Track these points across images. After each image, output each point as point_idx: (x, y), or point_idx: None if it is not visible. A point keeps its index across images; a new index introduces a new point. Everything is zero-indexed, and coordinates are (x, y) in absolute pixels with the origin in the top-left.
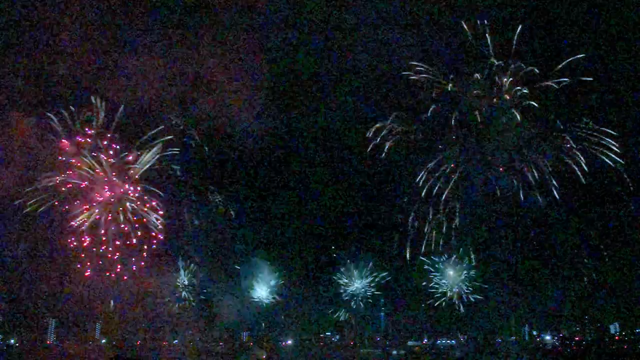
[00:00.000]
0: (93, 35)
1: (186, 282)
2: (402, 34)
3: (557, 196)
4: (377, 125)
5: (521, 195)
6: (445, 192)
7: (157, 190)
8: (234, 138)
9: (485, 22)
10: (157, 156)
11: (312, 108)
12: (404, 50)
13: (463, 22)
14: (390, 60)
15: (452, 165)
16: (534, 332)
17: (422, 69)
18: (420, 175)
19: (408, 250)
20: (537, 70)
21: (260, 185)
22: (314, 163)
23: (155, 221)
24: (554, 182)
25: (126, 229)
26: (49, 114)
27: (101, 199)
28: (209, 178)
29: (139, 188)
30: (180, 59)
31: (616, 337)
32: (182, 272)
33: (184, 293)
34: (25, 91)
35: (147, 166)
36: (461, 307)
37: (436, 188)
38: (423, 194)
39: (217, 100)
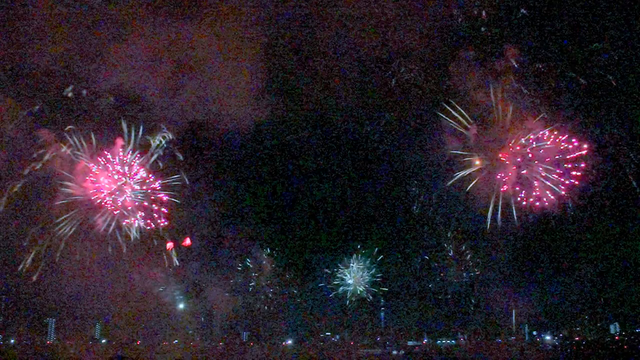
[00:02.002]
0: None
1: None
2: (398, 22)
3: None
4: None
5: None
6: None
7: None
8: (227, 129)
9: (484, 13)
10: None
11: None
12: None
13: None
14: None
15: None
16: (534, 332)
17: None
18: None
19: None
20: (539, 66)
21: (255, 178)
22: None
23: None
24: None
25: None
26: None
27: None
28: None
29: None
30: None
31: (616, 337)
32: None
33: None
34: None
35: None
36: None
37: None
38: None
39: (206, 89)
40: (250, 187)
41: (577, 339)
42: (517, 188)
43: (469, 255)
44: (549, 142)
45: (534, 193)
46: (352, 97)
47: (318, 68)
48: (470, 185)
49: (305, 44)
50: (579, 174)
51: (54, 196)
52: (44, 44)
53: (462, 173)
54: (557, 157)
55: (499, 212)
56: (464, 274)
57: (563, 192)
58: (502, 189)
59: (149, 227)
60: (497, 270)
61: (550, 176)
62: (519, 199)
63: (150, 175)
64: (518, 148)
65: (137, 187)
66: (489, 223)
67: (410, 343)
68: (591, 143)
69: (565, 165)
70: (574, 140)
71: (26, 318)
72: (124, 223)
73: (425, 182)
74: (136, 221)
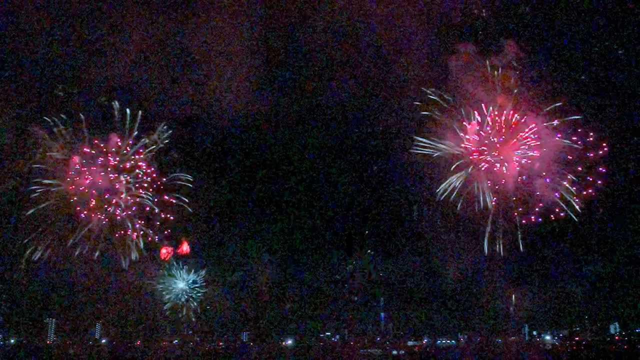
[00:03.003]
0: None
1: (183, 279)
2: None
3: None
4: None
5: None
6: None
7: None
8: (226, 124)
9: (484, 13)
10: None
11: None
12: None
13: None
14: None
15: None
16: (534, 332)
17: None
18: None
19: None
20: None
21: (254, 173)
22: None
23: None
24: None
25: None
26: None
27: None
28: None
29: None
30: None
31: (616, 337)
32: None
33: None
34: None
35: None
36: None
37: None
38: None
39: (205, 83)
40: (250, 186)
41: (577, 339)
42: (514, 198)
43: (468, 256)
44: (556, 138)
45: (537, 208)
46: (351, 94)
47: (316, 64)
48: (467, 190)
49: (303, 38)
50: (599, 181)
51: (49, 195)
52: (39, 38)
53: (453, 177)
54: (568, 158)
55: (499, 215)
56: (464, 274)
57: (577, 206)
58: (493, 202)
59: (149, 239)
60: (497, 271)
61: (557, 180)
62: (515, 214)
63: (152, 171)
64: (517, 150)
65: (132, 187)
66: (486, 236)
67: (410, 343)
68: (612, 139)
69: (577, 169)
70: (591, 134)
71: (26, 318)
72: (120, 233)
73: (425, 182)
74: (135, 233)
